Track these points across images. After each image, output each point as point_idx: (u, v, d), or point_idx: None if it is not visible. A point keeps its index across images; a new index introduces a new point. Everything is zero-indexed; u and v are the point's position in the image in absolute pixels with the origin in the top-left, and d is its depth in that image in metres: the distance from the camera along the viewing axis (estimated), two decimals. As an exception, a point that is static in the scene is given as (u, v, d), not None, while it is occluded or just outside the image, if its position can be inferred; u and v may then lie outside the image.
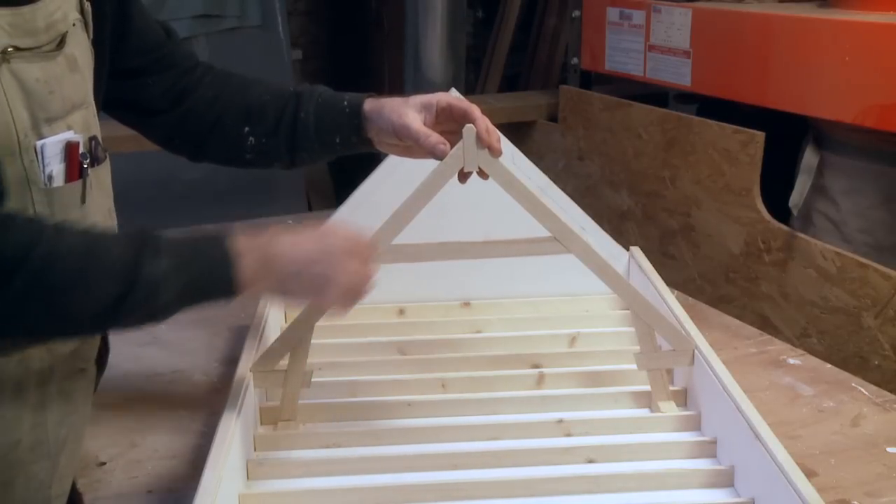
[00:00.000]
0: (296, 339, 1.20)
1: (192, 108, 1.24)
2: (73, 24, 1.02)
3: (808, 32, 1.97)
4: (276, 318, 1.46)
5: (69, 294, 0.91)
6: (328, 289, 1.05)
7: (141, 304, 0.94)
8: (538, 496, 1.09)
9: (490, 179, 1.18)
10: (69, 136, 1.00)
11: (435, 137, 1.16)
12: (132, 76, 1.20)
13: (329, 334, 1.44)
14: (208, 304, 1.00)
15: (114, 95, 1.16)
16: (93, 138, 1.04)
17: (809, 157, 2.08)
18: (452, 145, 1.16)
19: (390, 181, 1.46)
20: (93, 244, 0.93)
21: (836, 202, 2.04)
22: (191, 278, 0.97)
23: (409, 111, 1.18)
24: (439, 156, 1.15)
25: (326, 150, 1.26)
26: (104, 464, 1.19)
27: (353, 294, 1.07)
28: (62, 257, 0.90)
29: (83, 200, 1.01)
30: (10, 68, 0.93)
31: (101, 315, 0.94)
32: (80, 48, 1.04)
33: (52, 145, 0.97)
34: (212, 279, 0.99)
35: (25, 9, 0.95)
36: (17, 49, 0.94)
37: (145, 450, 1.22)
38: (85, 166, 1.01)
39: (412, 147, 1.20)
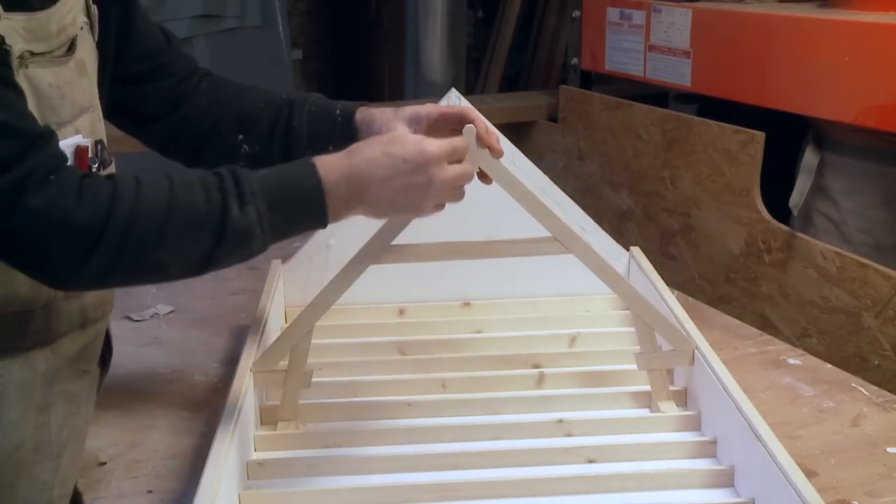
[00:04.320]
0: (296, 339, 1.20)
1: (187, 115, 1.24)
2: (81, 28, 1.03)
3: (808, 32, 1.97)
4: (276, 318, 1.46)
5: (158, 250, 0.93)
6: (424, 203, 1.06)
7: (232, 251, 0.97)
8: (538, 496, 1.10)
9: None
10: (78, 139, 1.00)
11: None
12: (131, 82, 1.20)
13: (329, 334, 1.44)
14: (303, 233, 1.03)
15: (112, 101, 1.16)
16: (99, 142, 1.05)
17: (809, 157, 2.08)
18: None
19: (390, 181, 1.46)
20: (174, 198, 0.94)
21: (836, 202, 2.04)
22: (284, 217, 0.99)
23: (398, 125, 1.18)
24: None
25: None
26: (104, 464, 1.19)
27: (450, 196, 1.08)
28: (145, 214, 0.91)
29: None
30: (26, 73, 0.94)
31: (195, 263, 0.96)
32: (87, 51, 1.05)
33: (63, 149, 0.97)
34: (304, 215, 1.01)
35: (41, 14, 0.96)
36: (32, 54, 0.94)
37: (145, 450, 1.22)
38: (93, 170, 1.02)
39: None
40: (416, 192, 1.05)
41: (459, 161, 1.08)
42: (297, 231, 1.02)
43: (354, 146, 1.06)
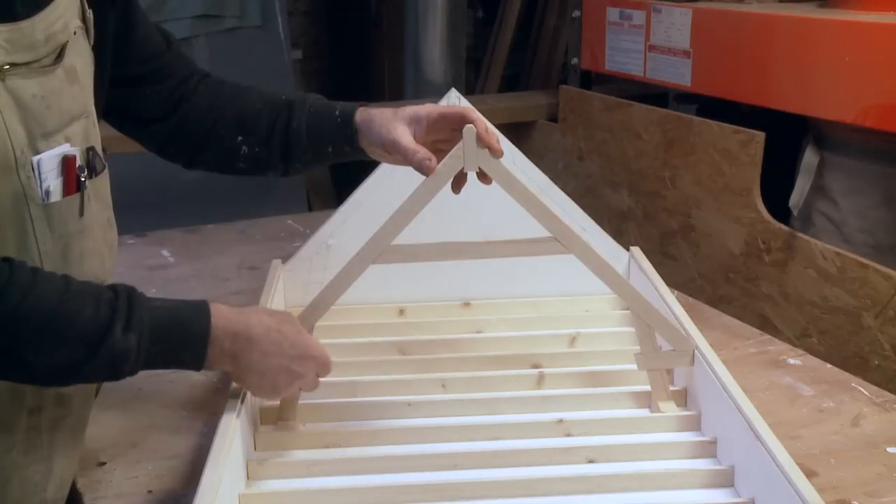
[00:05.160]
0: (296, 339, 1.20)
1: (186, 117, 1.24)
2: (74, 33, 1.01)
3: (808, 32, 1.97)
4: (276, 318, 1.46)
5: (27, 350, 0.92)
6: (283, 390, 1.12)
7: (103, 370, 0.97)
8: (538, 496, 1.09)
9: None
10: (65, 149, 0.99)
11: (422, 153, 1.16)
12: (130, 85, 1.20)
13: (329, 334, 1.44)
14: (170, 369, 1.05)
15: (110, 103, 1.16)
16: (90, 149, 1.04)
17: (809, 157, 2.08)
18: (448, 151, 1.16)
19: (390, 181, 1.46)
20: (63, 305, 0.93)
21: (836, 202, 2.04)
22: (161, 351, 0.99)
23: (398, 125, 1.18)
24: (425, 172, 1.16)
25: (319, 159, 1.27)
26: (104, 464, 1.19)
27: (291, 392, 1.14)
28: (28, 314, 0.91)
29: (81, 213, 1.01)
30: (5, 86, 0.92)
31: (59, 373, 0.96)
32: (81, 57, 1.03)
33: (49, 160, 0.97)
34: (182, 356, 1.02)
35: (24, 23, 0.94)
36: (13, 65, 0.93)
37: (145, 450, 1.22)
38: (83, 179, 1.01)
39: (401, 160, 1.20)
40: (287, 377, 1.09)
41: (323, 376, 1.15)
42: (168, 367, 1.03)
43: (252, 308, 1.10)
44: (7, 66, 0.92)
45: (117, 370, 0.97)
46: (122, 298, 0.97)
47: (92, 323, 0.94)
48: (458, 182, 1.19)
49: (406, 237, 1.18)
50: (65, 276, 0.95)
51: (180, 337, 1.01)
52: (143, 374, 0.99)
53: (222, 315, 1.03)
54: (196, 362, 1.03)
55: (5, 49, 0.92)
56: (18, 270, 0.91)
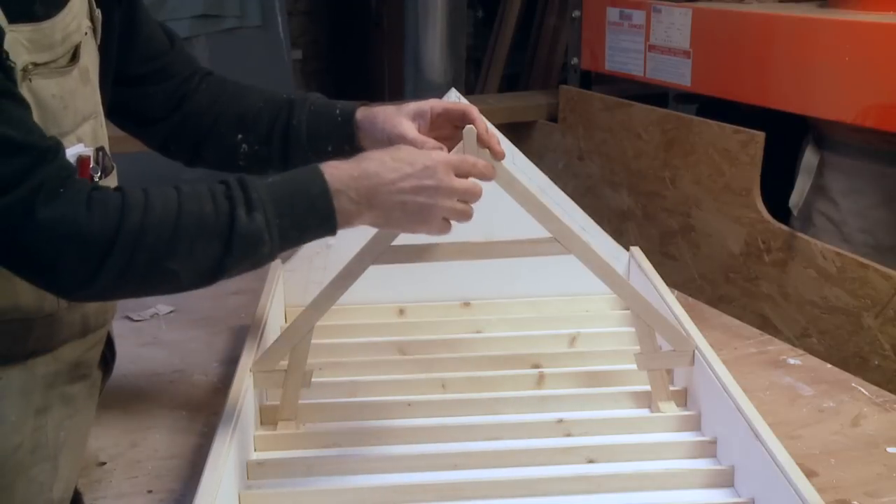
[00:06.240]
0: (296, 339, 1.20)
1: (188, 115, 1.24)
2: (85, 33, 1.02)
3: (808, 32, 1.97)
4: (276, 318, 1.46)
5: (169, 260, 0.93)
6: (433, 210, 1.05)
7: (242, 259, 0.97)
8: (538, 496, 1.10)
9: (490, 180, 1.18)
10: (80, 149, 1.00)
11: (431, 144, 1.16)
12: (134, 84, 1.20)
13: (329, 334, 1.44)
14: (313, 239, 1.02)
15: (114, 102, 1.16)
16: (100, 149, 1.05)
17: (809, 157, 2.08)
18: (450, 150, 1.16)
19: (390, 181, 1.46)
20: (183, 208, 0.94)
21: (836, 202, 2.04)
22: (292, 223, 0.98)
23: (402, 120, 1.18)
24: None
25: (319, 159, 1.25)
26: (104, 464, 1.19)
27: (458, 211, 1.07)
28: (155, 225, 0.92)
29: None
30: (29, 86, 0.93)
31: (205, 272, 0.96)
32: (90, 57, 1.04)
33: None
34: (313, 221, 1.00)
35: (45, 24, 0.95)
36: (35, 65, 0.94)
37: (145, 450, 1.22)
38: (96, 179, 1.02)
39: None
40: (425, 195, 1.04)
41: (466, 177, 1.07)
42: (307, 237, 1.02)
43: (363, 154, 1.06)
44: (31, 66, 0.93)
45: (258, 253, 0.97)
46: (235, 186, 0.97)
47: (215, 215, 0.94)
48: None
49: (406, 237, 1.18)
50: (175, 186, 0.96)
51: (303, 201, 0.99)
52: (143, 373, 0.99)
53: (335, 167, 1.02)
54: (328, 222, 1.00)
55: (27, 49, 0.93)
56: (129, 192, 0.93)
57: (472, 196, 1.07)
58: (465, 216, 1.08)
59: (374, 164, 1.03)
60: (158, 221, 0.92)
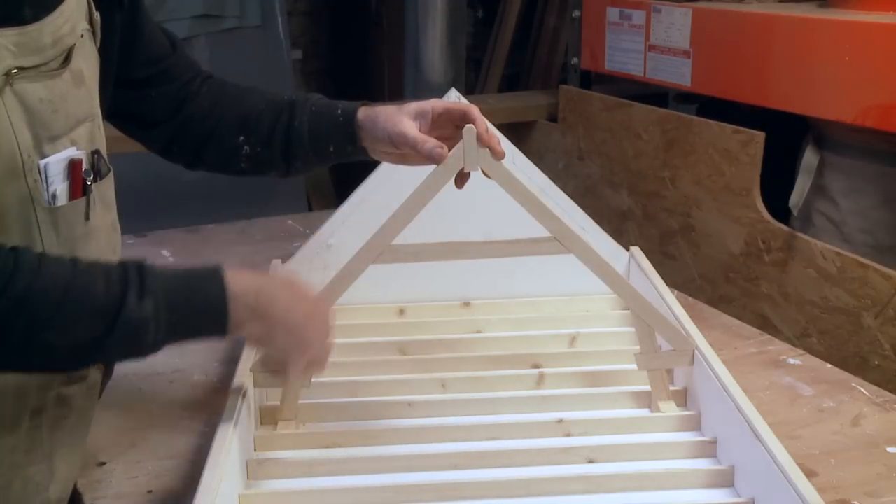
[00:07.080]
0: (296, 339, 1.19)
1: (189, 118, 1.24)
2: (82, 36, 1.01)
3: (808, 32, 1.97)
4: (276, 318, 1.46)
5: (47, 331, 0.89)
6: (308, 349, 1.08)
7: (123, 345, 0.94)
8: (538, 496, 1.09)
9: (490, 179, 1.18)
10: (72, 153, 0.99)
11: (432, 142, 1.16)
12: (135, 87, 1.20)
13: (329, 334, 1.44)
14: (198, 340, 1.00)
15: (115, 105, 1.16)
16: (96, 152, 1.04)
17: (809, 157, 2.08)
18: (450, 149, 1.16)
19: (391, 181, 1.46)
20: (75, 281, 0.91)
21: (836, 202, 2.04)
22: (181, 318, 0.96)
23: (404, 119, 1.18)
24: (437, 160, 1.16)
25: (321, 159, 1.26)
26: (104, 464, 1.19)
27: (319, 362, 1.11)
28: (41, 293, 0.88)
29: (87, 217, 1.01)
30: (13, 90, 0.92)
31: (82, 352, 0.93)
32: (87, 60, 1.03)
33: (56, 164, 0.96)
34: (204, 320, 0.98)
35: (32, 27, 0.94)
36: (21, 69, 0.93)
37: (145, 450, 1.22)
38: (88, 183, 1.00)
39: (407, 154, 1.20)
40: (314, 328, 1.07)
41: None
42: (195, 335, 0.99)
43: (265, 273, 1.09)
44: (14, 70, 0.92)
45: (140, 342, 0.94)
46: (133, 269, 0.94)
47: (105, 296, 0.91)
48: (462, 178, 1.19)
49: (406, 237, 1.18)
50: (72, 258, 0.94)
51: (199, 300, 0.97)
52: (143, 373, 0.99)
53: (239, 274, 1.00)
54: (220, 325, 0.98)
55: (13, 53, 0.92)
56: (24, 255, 0.90)
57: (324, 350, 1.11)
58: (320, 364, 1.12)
59: (274, 283, 1.05)
60: (45, 290, 0.89)
